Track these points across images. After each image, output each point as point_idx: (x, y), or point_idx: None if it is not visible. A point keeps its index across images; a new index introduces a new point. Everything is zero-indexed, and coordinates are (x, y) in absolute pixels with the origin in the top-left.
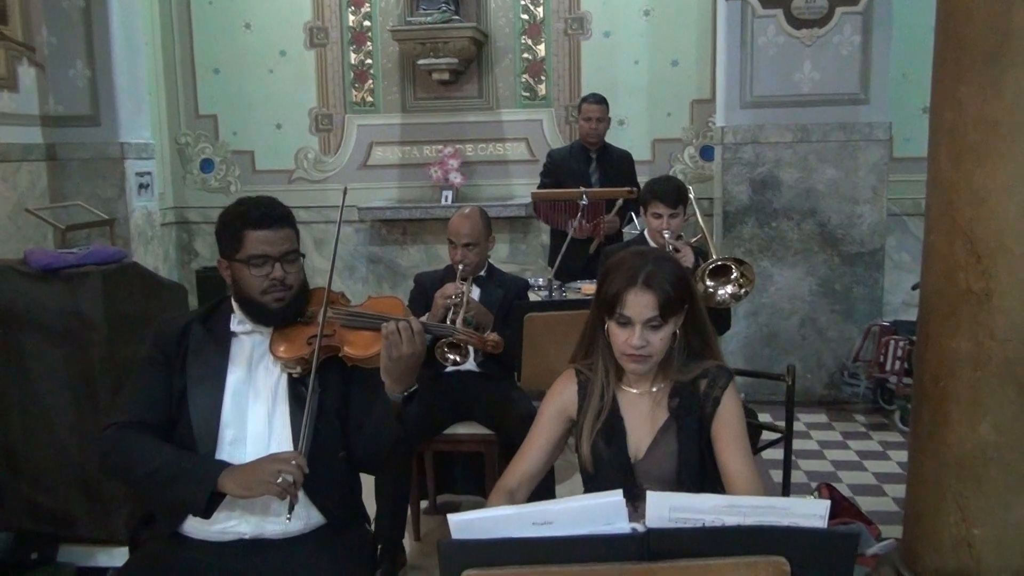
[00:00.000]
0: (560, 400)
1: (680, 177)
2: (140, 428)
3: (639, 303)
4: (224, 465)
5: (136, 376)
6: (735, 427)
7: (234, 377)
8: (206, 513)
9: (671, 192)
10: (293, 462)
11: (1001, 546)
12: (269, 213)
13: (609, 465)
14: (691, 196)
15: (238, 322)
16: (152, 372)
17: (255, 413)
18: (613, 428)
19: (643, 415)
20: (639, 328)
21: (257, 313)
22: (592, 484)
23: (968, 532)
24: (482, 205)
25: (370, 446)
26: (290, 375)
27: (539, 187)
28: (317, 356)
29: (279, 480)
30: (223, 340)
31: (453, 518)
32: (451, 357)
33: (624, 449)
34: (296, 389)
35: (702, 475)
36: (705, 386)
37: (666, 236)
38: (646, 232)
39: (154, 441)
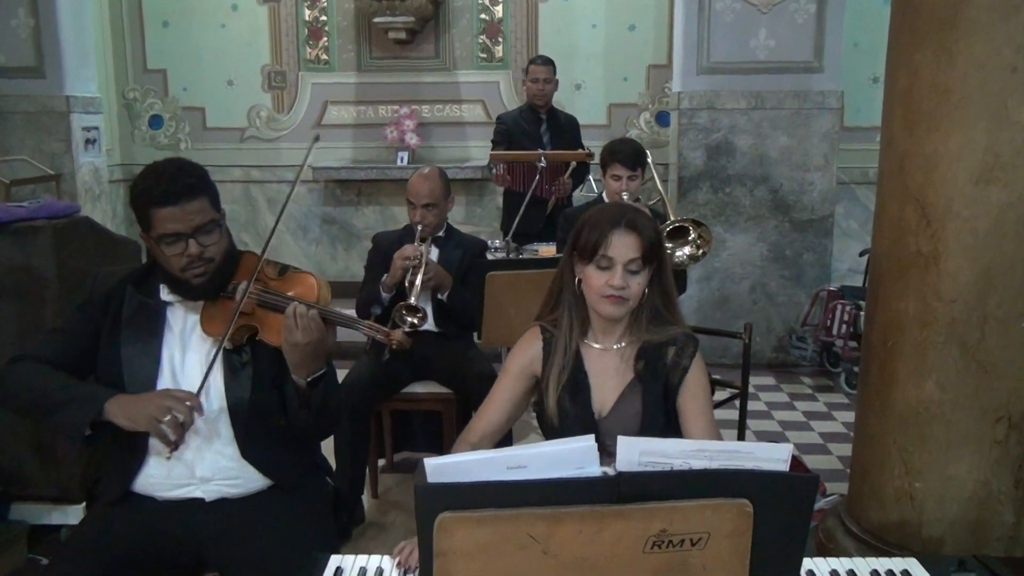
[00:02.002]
0: (525, 357)
1: None
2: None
3: (623, 244)
4: (115, 393)
5: (58, 322)
6: (701, 400)
7: (169, 345)
8: (90, 441)
9: (630, 154)
10: (187, 403)
11: (941, 498)
12: (173, 188)
13: (574, 421)
14: (649, 159)
15: (167, 292)
16: (75, 321)
17: (191, 383)
18: (577, 384)
19: (608, 372)
20: (620, 269)
21: (181, 290)
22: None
23: (911, 486)
24: (437, 166)
25: (294, 423)
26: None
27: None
28: (224, 338)
29: (166, 418)
30: (158, 308)
31: (429, 462)
32: (409, 319)
33: (588, 405)
34: (230, 359)
35: (664, 436)
36: (673, 354)
37: (624, 198)
38: (604, 195)
39: (50, 371)
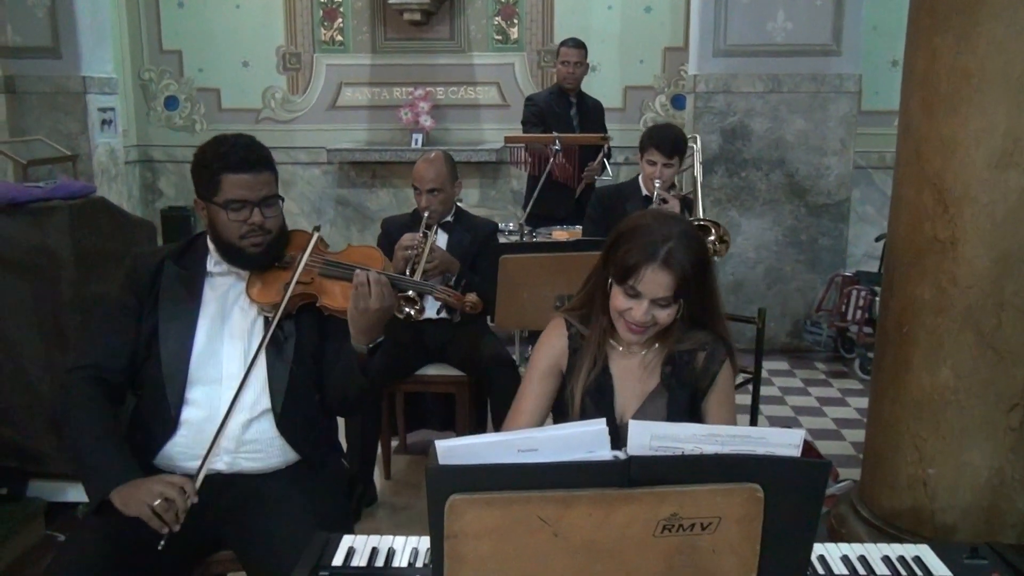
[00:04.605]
0: (551, 354)
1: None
2: (98, 378)
3: (654, 281)
4: (129, 475)
5: (104, 316)
6: (726, 407)
7: (207, 318)
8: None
9: (667, 142)
10: (182, 487)
11: (954, 485)
12: (249, 156)
13: None
14: (696, 146)
15: (214, 263)
16: (120, 315)
17: (230, 354)
18: (601, 387)
19: (633, 377)
20: (647, 304)
21: (235, 257)
22: None
23: (924, 472)
24: (452, 149)
25: (337, 393)
26: (266, 318)
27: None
28: (283, 304)
29: (156, 503)
30: (197, 279)
31: (440, 444)
32: (406, 310)
33: (611, 409)
34: (273, 333)
35: None
36: (703, 360)
37: (656, 185)
38: (640, 178)
39: (96, 411)
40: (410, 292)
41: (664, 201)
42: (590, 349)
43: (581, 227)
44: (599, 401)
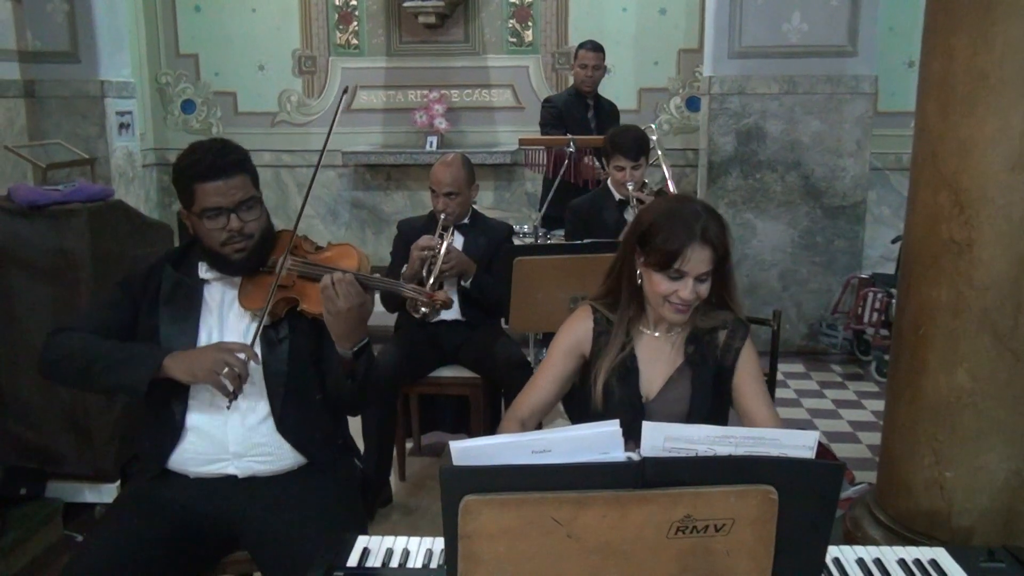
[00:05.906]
0: (574, 336)
1: (665, 128)
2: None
3: (698, 258)
4: (169, 350)
5: (98, 299)
6: (758, 378)
7: (207, 323)
8: (149, 397)
9: (632, 144)
10: (241, 354)
11: (971, 488)
12: (217, 163)
13: (620, 404)
14: (653, 138)
15: (206, 269)
16: (115, 297)
17: None
18: (627, 367)
19: (658, 357)
20: (692, 282)
21: (221, 264)
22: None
23: (940, 475)
24: (467, 152)
25: (333, 396)
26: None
27: (545, 136)
28: (265, 311)
29: (224, 371)
30: (195, 285)
31: (455, 445)
32: (422, 310)
33: (636, 388)
34: (267, 334)
35: (710, 422)
36: (725, 337)
37: (630, 188)
38: (609, 182)
39: (98, 337)
40: (416, 315)
41: (641, 202)
42: (618, 334)
43: None
44: (624, 381)
